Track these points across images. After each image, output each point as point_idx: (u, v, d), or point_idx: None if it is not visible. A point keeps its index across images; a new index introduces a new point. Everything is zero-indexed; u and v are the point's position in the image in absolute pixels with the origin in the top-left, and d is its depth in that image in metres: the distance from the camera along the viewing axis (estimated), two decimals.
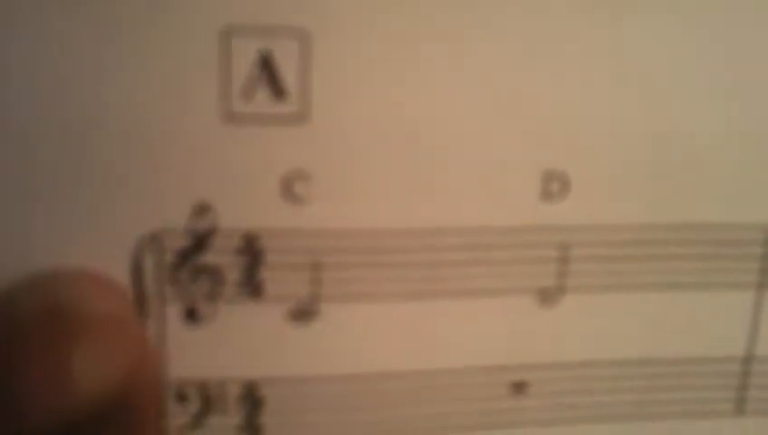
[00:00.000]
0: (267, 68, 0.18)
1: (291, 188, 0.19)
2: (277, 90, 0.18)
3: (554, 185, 0.20)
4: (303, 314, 0.19)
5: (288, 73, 0.18)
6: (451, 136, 0.19)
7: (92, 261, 0.18)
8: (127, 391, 0.16)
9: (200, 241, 0.19)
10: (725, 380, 0.22)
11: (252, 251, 0.19)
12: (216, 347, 0.19)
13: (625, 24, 0.19)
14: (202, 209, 0.18)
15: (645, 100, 0.20)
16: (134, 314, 0.18)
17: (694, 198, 0.21)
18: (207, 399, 0.20)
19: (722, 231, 0.21)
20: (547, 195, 0.20)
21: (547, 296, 0.20)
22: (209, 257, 0.19)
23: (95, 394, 0.16)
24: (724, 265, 0.21)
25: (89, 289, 0.17)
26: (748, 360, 0.22)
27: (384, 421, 0.20)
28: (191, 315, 0.19)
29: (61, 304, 0.17)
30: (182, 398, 0.19)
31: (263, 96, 0.18)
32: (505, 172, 0.19)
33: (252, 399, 0.20)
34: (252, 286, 0.19)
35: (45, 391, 0.16)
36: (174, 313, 0.19)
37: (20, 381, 0.16)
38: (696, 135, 0.20)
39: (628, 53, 0.19)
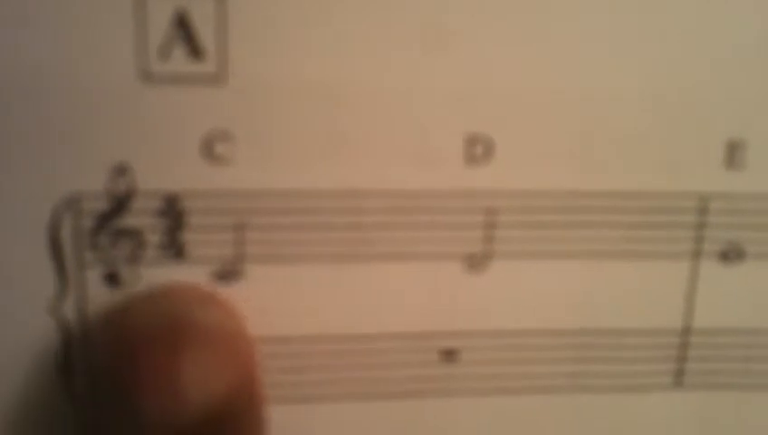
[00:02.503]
0: (184, 27, 0.18)
1: (211, 148, 0.19)
2: (194, 49, 0.18)
3: (478, 148, 0.20)
4: (227, 275, 0.19)
5: (205, 32, 0.18)
6: (373, 97, 0.19)
7: (8, 227, 0.18)
8: (234, 402, 0.17)
9: (119, 204, 0.19)
10: (663, 352, 0.22)
11: (173, 213, 0.19)
12: None
13: None
14: (120, 171, 0.18)
15: (570, 62, 0.20)
16: (244, 329, 0.19)
17: (624, 165, 0.20)
18: None
19: (654, 199, 0.21)
20: (471, 158, 0.20)
21: (474, 262, 0.20)
22: (129, 220, 0.19)
23: (204, 403, 0.17)
24: (657, 235, 0.21)
25: (201, 302, 0.18)
26: (685, 332, 0.22)
27: (308, 384, 0.20)
28: (112, 280, 0.19)
29: (172, 317, 0.18)
30: None
31: (180, 55, 0.18)
32: (428, 135, 0.19)
33: None
34: (174, 249, 0.19)
35: (158, 399, 0.17)
36: (95, 277, 0.19)
37: (133, 388, 0.17)
38: (624, 99, 0.20)
39: (553, 13, 0.19)
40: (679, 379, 0.22)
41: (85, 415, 0.19)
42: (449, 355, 0.21)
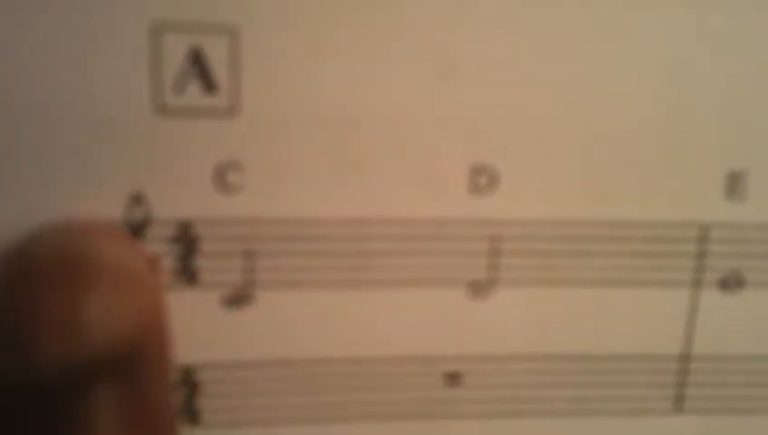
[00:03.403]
0: (198, 62, 0.19)
1: (224, 177, 0.19)
2: (208, 84, 0.19)
3: (483, 178, 0.20)
4: (238, 300, 0.20)
5: (218, 68, 0.19)
6: (380, 127, 0.20)
7: None
8: (137, 339, 0.16)
9: (136, 231, 0.19)
10: (663, 377, 0.22)
11: (186, 240, 0.20)
12: None
13: (551, 19, 0.20)
14: (137, 200, 0.19)
15: (574, 93, 0.20)
16: (146, 265, 0.18)
17: (627, 195, 0.21)
18: None
19: (656, 228, 0.21)
20: (476, 188, 0.20)
21: (478, 289, 0.21)
22: (145, 246, 0.19)
23: (105, 341, 0.16)
24: (658, 263, 0.21)
25: (101, 239, 0.18)
26: (685, 358, 0.22)
27: (317, 406, 0.21)
28: None
29: (74, 253, 0.17)
30: None
31: (194, 90, 0.19)
32: (434, 164, 0.20)
33: (189, 383, 0.20)
34: (187, 274, 0.20)
35: (57, 338, 0.16)
36: None
37: (32, 328, 0.16)
38: (628, 130, 0.21)
39: (558, 44, 0.20)
40: (679, 404, 0.23)
41: None
42: (453, 379, 0.21)
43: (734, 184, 0.21)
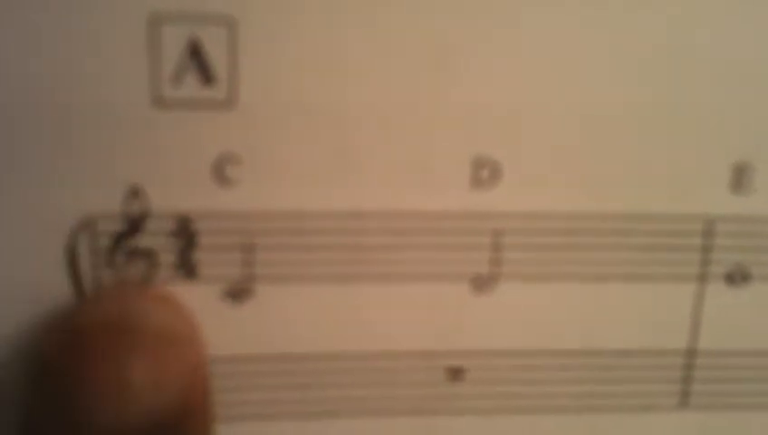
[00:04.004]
0: (196, 54, 0.19)
1: (222, 171, 0.19)
2: (206, 76, 0.19)
3: (485, 171, 0.20)
4: (237, 294, 0.20)
5: (216, 60, 0.19)
6: (379, 119, 0.19)
7: (28, 247, 0.19)
8: (182, 401, 0.17)
9: (134, 225, 0.19)
10: (668, 373, 0.22)
11: (185, 234, 0.19)
12: None
13: (552, 9, 0.19)
14: (135, 193, 0.19)
15: (576, 84, 0.20)
16: (197, 333, 0.19)
17: (631, 187, 0.21)
18: None
19: (661, 221, 0.21)
20: (477, 181, 0.20)
21: (481, 283, 0.21)
22: (144, 241, 0.19)
23: (152, 406, 0.17)
24: (663, 257, 0.21)
25: (146, 305, 0.18)
26: (691, 353, 0.22)
27: (318, 401, 0.21)
28: None
29: (127, 316, 0.18)
30: None
31: (192, 82, 0.19)
32: (434, 158, 0.20)
33: None
34: (186, 268, 0.20)
35: (106, 405, 0.16)
36: None
37: (82, 396, 0.17)
38: (631, 122, 0.20)
39: (559, 36, 0.20)
40: (685, 399, 0.22)
41: (26, 415, 0.18)
42: (455, 374, 0.21)
43: (740, 177, 0.21)
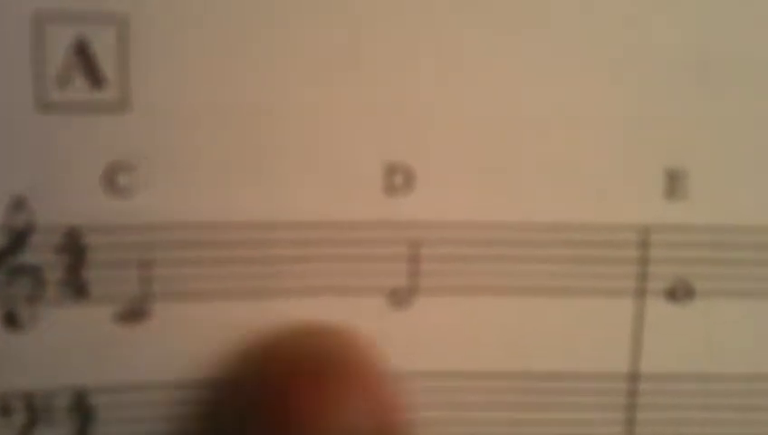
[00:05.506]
0: (83, 55, 0.18)
1: (115, 179, 0.18)
2: (95, 77, 0.18)
3: (398, 178, 0.19)
4: (133, 314, 0.18)
5: (105, 60, 0.18)
6: (284, 123, 0.18)
7: None
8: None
9: (17, 239, 0.18)
10: (610, 398, 0.20)
11: (74, 248, 0.18)
12: (41, 354, 0.18)
13: (465, 9, 0.19)
14: (18, 205, 0.18)
15: (495, 86, 0.19)
16: (386, 369, 0.19)
17: (556, 195, 0.19)
18: (34, 411, 0.18)
19: (590, 231, 0.20)
20: (391, 188, 0.19)
21: (399, 298, 0.19)
22: (28, 256, 0.18)
23: None
24: (595, 270, 0.20)
25: (347, 341, 0.19)
26: (634, 377, 0.20)
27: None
28: (11, 320, 0.18)
29: (322, 355, 0.18)
30: (6, 411, 0.18)
31: (80, 84, 0.18)
32: (344, 164, 0.19)
33: (82, 409, 0.19)
34: (76, 287, 0.18)
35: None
36: None
37: (284, 428, 0.17)
38: (554, 126, 0.19)
39: (476, 36, 0.19)
40: (630, 428, 0.21)
41: None
42: None
43: (674, 183, 0.20)
